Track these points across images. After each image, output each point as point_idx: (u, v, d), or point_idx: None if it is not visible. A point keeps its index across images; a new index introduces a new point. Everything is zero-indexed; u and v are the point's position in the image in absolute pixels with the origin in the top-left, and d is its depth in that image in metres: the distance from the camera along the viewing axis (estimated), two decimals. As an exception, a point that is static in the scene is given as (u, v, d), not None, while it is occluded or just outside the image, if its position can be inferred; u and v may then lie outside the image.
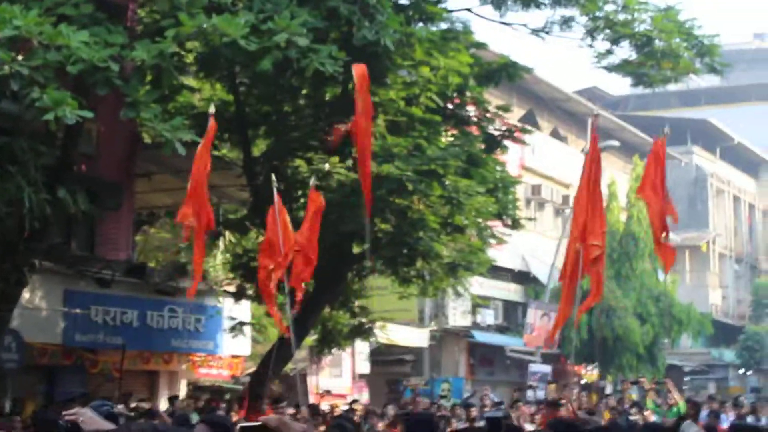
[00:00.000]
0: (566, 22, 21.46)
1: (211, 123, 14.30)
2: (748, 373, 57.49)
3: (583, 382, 39.36)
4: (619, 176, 47.72)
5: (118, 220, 21.98)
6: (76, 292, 21.31)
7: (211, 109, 14.57)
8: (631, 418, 21.09)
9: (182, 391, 25.05)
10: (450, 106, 21.36)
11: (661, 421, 19.19)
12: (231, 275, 23.43)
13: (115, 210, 20.85)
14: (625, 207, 45.91)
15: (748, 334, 57.57)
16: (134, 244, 24.16)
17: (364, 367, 33.65)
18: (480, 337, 39.55)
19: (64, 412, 5.51)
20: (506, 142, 22.90)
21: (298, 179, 19.87)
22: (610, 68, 22.38)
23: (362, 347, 31.85)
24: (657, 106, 68.36)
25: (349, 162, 18.88)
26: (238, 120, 20.54)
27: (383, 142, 18.92)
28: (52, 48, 13.11)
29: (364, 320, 24.20)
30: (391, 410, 22.51)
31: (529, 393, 29.12)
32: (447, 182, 19.07)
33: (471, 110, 22.09)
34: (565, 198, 45.03)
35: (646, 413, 21.24)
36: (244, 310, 24.55)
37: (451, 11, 21.21)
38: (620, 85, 61.09)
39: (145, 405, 20.49)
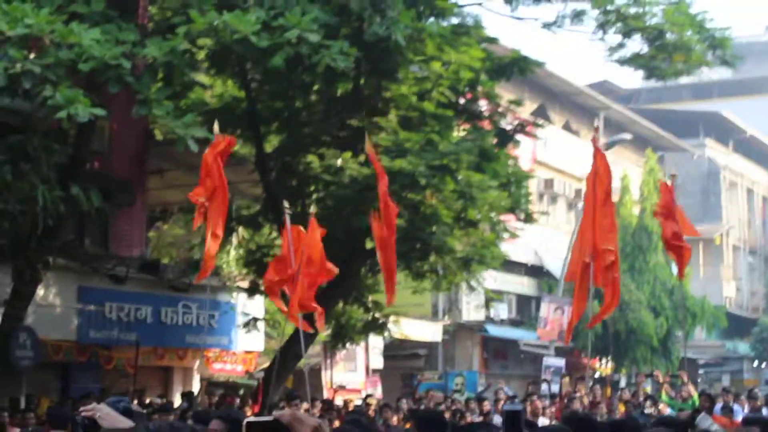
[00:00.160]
0: (577, 15, 21.42)
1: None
2: (763, 365, 57.32)
3: (597, 375, 39.30)
4: (631, 169, 47.64)
5: (131, 217, 22.04)
6: (89, 288, 21.38)
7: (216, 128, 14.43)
8: (646, 411, 21.08)
9: (196, 387, 25.11)
10: (462, 100, 21.35)
11: (675, 415, 19.17)
12: (244, 271, 23.45)
13: (128, 207, 20.91)
14: (638, 200, 45.84)
15: (763, 326, 57.36)
16: (147, 240, 24.22)
17: (378, 361, 33.63)
18: (494, 331, 39.52)
19: (81, 408, 5.52)
20: (518, 137, 22.88)
21: (310, 175, 19.89)
22: (621, 61, 22.34)
23: (376, 342, 31.83)
24: (669, 99, 68.17)
25: (362, 157, 18.88)
26: (250, 116, 20.56)
27: (395, 138, 18.92)
28: (64, 46, 13.16)
29: (377, 315, 24.19)
30: (404, 405, 22.56)
31: (544, 387, 29.08)
32: (459, 177, 19.06)
33: (483, 105, 22.08)
34: (578, 191, 44.94)
35: (660, 406, 21.23)
36: (257, 305, 24.60)
37: (462, 6, 21.21)
38: (632, 79, 60.98)
39: (158, 401, 20.55)
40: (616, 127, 50.19)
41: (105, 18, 14.48)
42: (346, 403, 24.03)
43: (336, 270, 15.40)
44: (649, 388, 28.66)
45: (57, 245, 17.82)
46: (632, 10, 21.00)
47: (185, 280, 22.74)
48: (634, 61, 22.16)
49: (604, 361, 42.71)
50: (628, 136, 41.77)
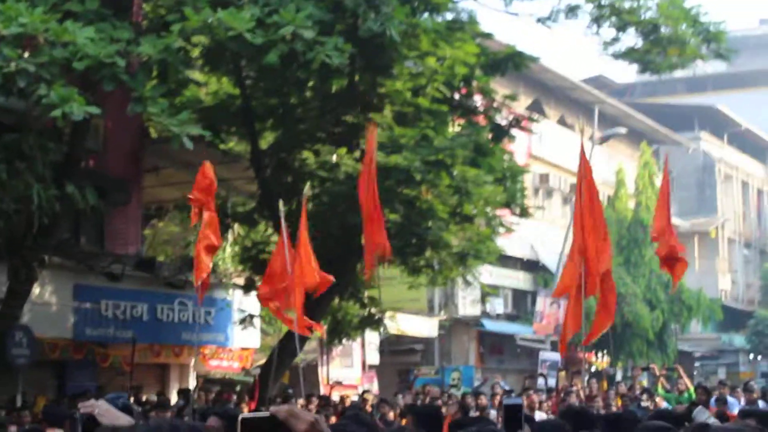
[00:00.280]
0: (572, 10, 21.43)
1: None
2: (758, 358, 57.39)
3: (593, 369, 39.35)
4: (626, 163, 47.66)
5: (126, 215, 22.03)
6: (85, 286, 21.37)
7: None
8: (642, 404, 21.08)
9: (192, 384, 25.10)
10: (457, 96, 21.35)
11: (672, 408, 19.19)
12: (240, 267, 23.46)
13: (124, 205, 20.90)
14: (633, 194, 45.87)
15: (758, 319, 57.41)
16: (143, 238, 24.21)
17: (375, 357, 33.64)
18: (490, 325, 39.53)
19: (80, 404, 5.51)
20: (513, 131, 22.89)
21: (305, 171, 19.89)
22: (616, 56, 22.35)
23: (372, 337, 31.84)
24: (664, 93, 68.14)
25: (357, 153, 18.89)
26: (244, 113, 20.56)
27: (390, 133, 18.93)
28: (59, 44, 13.16)
29: (373, 310, 24.20)
30: (401, 400, 22.54)
31: (540, 381, 29.09)
32: (455, 172, 19.08)
33: (478, 100, 22.09)
34: (573, 186, 44.74)
35: (657, 399, 21.24)
36: (253, 302, 24.58)
37: (457, 1, 21.22)
38: (626, 73, 61.12)
39: (154, 398, 20.55)
40: (611, 121, 50.17)
41: (99, 16, 14.48)
42: (342, 398, 24.02)
43: (332, 279, 15.53)
44: (645, 382, 28.70)
45: (52, 243, 17.81)
46: (626, 4, 21.02)
47: (181, 277, 22.73)
48: (629, 55, 22.17)
49: (600, 354, 42.75)
50: (623, 130, 41.76)
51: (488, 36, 21.96)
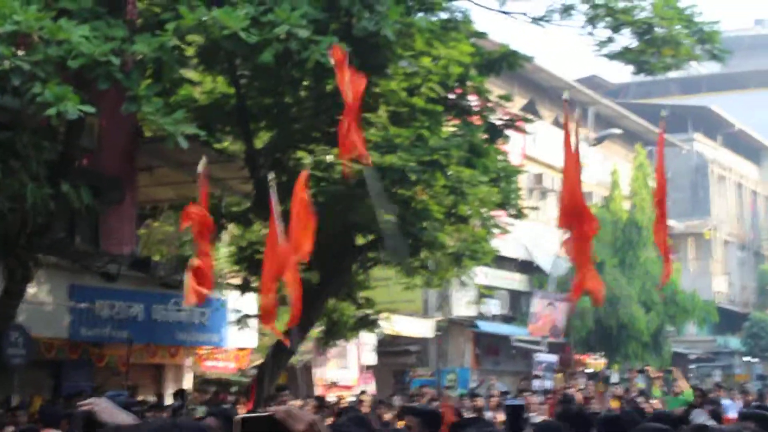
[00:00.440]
0: (566, 10, 21.41)
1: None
2: (754, 360, 57.42)
3: (589, 371, 39.36)
4: (621, 164, 47.68)
5: (121, 215, 21.98)
6: (81, 286, 21.36)
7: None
8: (641, 406, 21.09)
9: (188, 384, 25.08)
10: (451, 96, 21.34)
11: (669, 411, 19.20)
12: (235, 268, 23.43)
13: (118, 204, 20.87)
14: (628, 195, 45.88)
15: (753, 321, 57.48)
16: (138, 238, 24.18)
17: (370, 358, 33.65)
18: (485, 327, 39.53)
19: (79, 402, 5.48)
20: (508, 132, 22.88)
21: (300, 171, 19.84)
22: (610, 56, 22.33)
23: (368, 338, 31.85)
24: (658, 94, 68.24)
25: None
26: (239, 113, 20.53)
27: (385, 133, 18.92)
28: (53, 43, 13.12)
29: (369, 311, 24.20)
30: (397, 401, 22.53)
31: (536, 382, 29.12)
32: (450, 172, 19.08)
33: (472, 100, 22.07)
34: (569, 187, 44.82)
35: (653, 401, 21.23)
36: (249, 302, 24.56)
37: (451, 1, 21.20)
38: (621, 74, 60.95)
39: (150, 398, 20.55)
40: (605, 122, 50.27)
41: (94, 14, 14.45)
42: (338, 399, 24.00)
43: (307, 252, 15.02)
44: (641, 384, 28.73)
45: (47, 243, 17.78)
46: (621, 5, 21.00)
47: (176, 277, 22.69)
48: (623, 55, 22.15)
49: (596, 356, 42.80)
50: (617, 130, 41.83)
51: (482, 35, 21.96)
